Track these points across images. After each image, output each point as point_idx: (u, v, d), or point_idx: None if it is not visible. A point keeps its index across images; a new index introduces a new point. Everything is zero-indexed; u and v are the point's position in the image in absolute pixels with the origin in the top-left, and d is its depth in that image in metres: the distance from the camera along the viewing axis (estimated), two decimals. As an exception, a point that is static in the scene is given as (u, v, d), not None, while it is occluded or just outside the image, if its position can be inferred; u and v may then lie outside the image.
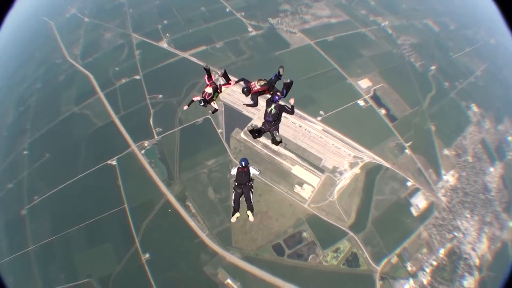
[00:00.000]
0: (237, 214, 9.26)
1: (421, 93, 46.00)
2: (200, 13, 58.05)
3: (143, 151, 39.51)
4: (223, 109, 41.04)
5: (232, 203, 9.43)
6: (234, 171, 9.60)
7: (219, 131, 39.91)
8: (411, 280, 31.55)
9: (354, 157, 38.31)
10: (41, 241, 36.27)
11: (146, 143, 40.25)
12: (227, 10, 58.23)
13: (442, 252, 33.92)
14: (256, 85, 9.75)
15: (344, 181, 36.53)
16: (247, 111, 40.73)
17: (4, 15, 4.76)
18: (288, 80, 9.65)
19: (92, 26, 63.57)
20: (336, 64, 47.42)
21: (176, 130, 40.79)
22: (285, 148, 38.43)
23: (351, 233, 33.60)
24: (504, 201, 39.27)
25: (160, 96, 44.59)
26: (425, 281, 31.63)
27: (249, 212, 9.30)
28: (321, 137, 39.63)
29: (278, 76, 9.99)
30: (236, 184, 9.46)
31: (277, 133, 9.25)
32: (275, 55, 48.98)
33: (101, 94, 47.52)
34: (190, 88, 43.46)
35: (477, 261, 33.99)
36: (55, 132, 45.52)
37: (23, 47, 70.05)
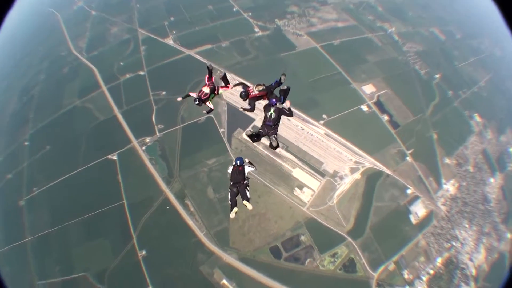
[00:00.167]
0: (235, 209, 9.45)
1: (425, 101, 45.89)
2: (207, 11, 57.86)
3: (144, 147, 39.42)
4: (225, 108, 41.01)
5: (229, 201, 9.53)
6: (230, 170, 9.66)
7: (221, 130, 39.80)
8: (407, 288, 31.57)
9: (355, 162, 38.21)
10: (38, 233, 36.24)
11: (147, 140, 40.17)
12: (234, 9, 58.08)
13: (439, 261, 33.86)
14: (255, 90, 9.78)
15: (344, 186, 36.44)
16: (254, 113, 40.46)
17: (4, 14, 4.72)
18: (285, 87, 9.71)
19: (99, 19, 63.40)
20: (341, 68, 47.28)
21: (178, 128, 40.69)
22: (286, 150, 38.35)
23: (349, 239, 33.50)
24: (503, 212, 39.21)
25: (164, 93, 44.41)
26: (421, 290, 31.63)
27: (245, 202, 9.38)
28: (323, 140, 39.52)
29: (279, 83, 10.00)
30: (232, 183, 9.53)
31: (274, 138, 9.37)
32: (281, 57, 48.88)
33: (104, 88, 47.36)
34: (194, 86, 43.16)
35: (473, 271, 33.95)
36: (57, 124, 45.45)
37: (30, 36, 70.11)
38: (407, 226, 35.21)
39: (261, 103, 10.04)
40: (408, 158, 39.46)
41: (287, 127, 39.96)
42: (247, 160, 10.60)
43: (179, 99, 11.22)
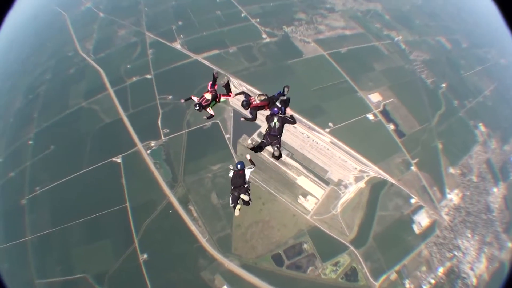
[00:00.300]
0: (238, 206, 9.49)
1: (431, 110, 45.74)
2: (215, 16, 57.90)
3: (149, 151, 39.37)
4: (232, 114, 40.91)
5: (231, 205, 9.56)
6: (231, 174, 9.65)
7: (226, 136, 39.72)
8: (408, 298, 31.57)
9: (360, 171, 38.08)
10: (39, 232, 36.18)
11: (152, 143, 40.11)
12: (243, 15, 58.08)
13: (441, 270, 33.78)
14: (256, 100, 9.71)
15: (348, 194, 36.32)
16: (258, 118, 40.34)
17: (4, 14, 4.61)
18: (285, 97, 9.67)
19: (107, 21, 63.58)
20: (348, 76, 47.16)
21: (184, 133, 40.63)
22: (291, 158, 38.27)
23: (352, 248, 33.38)
24: (504, 221, 39.16)
25: (170, 97, 44.33)
26: (422, 299, 31.61)
27: (242, 195, 9.38)
28: (328, 149, 39.40)
29: (281, 95, 9.92)
30: (233, 187, 9.50)
31: (276, 148, 9.28)
32: (288, 64, 48.81)
33: (111, 91, 47.39)
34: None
35: (474, 281, 33.90)
36: (62, 125, 45.62)
37: (37, 35, 70.63)
38: (410, 235, 35.12)
39: (263, 114, 9.99)
40: (413, 168, 39.33)
41: (293, 135, 39.91)
42: (248, 157, 10.70)
43: (182, 101, 11.31)
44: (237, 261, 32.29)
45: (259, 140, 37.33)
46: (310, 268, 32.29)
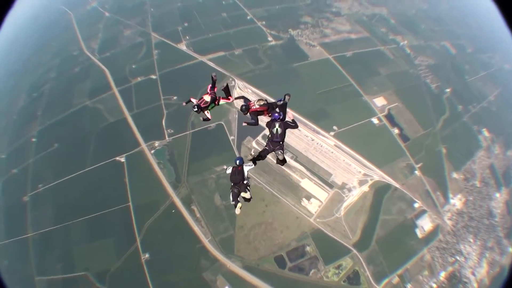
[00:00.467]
0: (239, 205, 9.44)
1: (435, 115, 45.68)
2: (221, 18, 58.05)
3: (153, 151, 39.39)
4: (236, 116, 40.88)
5: (232, 202, 9.51)
6: (229, 171, 9.53)
7: (231, 138, 39.73)
8: (410, 302, 31.49)
9: (364, 174, 38.04)
10: (40, 229, 36.14)
11: (156, 143, 40.15)
12: (248, 18, 58.18)
13: (443, 275, 33.68)
14: (255, 104, 9.63)
15: (352, 198, 36.28)
16: (260, 120, 40.30)
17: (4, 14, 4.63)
18: (282, 102, 9.61)
19: (112, 21, 63.71)
20: (353, 80, 47.14)
21: (188, 133, 40.64)
22: (296, 160, 38.26)
23: (355, 251, 33.32)
24: (506, 226, 39.02)
25: (175, 97, 44.36)
26: (423, 304, 31.60)
27: (243, 193, 9.36)
28: (332, 152, 39.38)
29: (282, 101, 9.87)
30: (232, 184, 9.44)
31: (280, 153, 9.22)
32: (293, 67, 48.85)
33: (115, 90, 47.47)
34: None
35: (475, 286, 33.80)
36: (66, 123, 45.76)
37: (40, 33, 70.80)
38: (413, 240, 35.04)
39: (263, 121, 9.95)
40: (417, 172, 39.27)
41: (297, 137, 39.92)
42: (253, 152, 10.49)
43: (184, 104, 11.25)
44: (239, 262, 32.23)
45: (263, 142, 37.28)
46: (312, 271, 32.23)
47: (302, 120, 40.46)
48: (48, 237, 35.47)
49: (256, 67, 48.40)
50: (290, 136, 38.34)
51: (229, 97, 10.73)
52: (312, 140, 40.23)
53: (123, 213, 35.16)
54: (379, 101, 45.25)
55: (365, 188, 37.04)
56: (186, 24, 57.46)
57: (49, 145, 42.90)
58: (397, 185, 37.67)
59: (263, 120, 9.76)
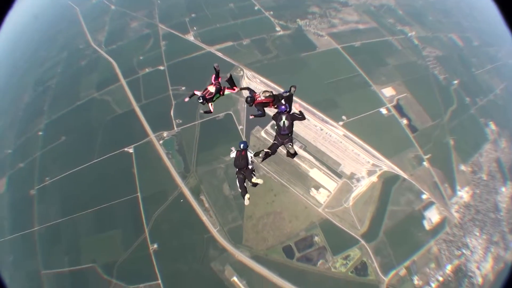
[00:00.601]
0: (247, 195, 9.21)
1: (443, 106, 45.37)
2: (228, 9, 57.78)
3: (161, 142, 39.30)
4: (245, 106, 40.46)
5: (239, 189, 9.35)
6: (233, 155, 9.44)
7: (239, 127, 39.57)
8: (416, 294, 31.39)
9: (373, 165, 37.85)
10: (47, 223, 35.99)
11: (165, 134, 40.04)
12: (256, 8, 57.84)
13: (449, 268, 33.53)
14: (261, 96, 9.55)
15: (360, 188, 36.11)
16: (269, 110, 40.07)
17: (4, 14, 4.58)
18: (288, 93, 9.54)
19: (119, 14, 63.64)
20: (361, 70, 46.75)
21: (197, 123, 40.41)
22: (304, 150, 38.08)
23: (363, 242, 33.26)
24: (511, 222, 39.14)
25: (183, 88, 44.05)
26: (429, 297, 31.47)
27: (254, 179, 9.18)
28: (341, 142, 39.17)
29: (288, 93, 9.79)
30: (237, 170, 9.30)
31: (290, 146, 9.16)
32: (301, 57, 48.54)
33: (123, 82, 47.35)
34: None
35: (480, 280, 33.70)
36: (74, 116, 45.92)
37: (46, 28, 70.74)
38: (420, 231, 34.90)
39: (272, 110, 9.84)
40: (425, 163, 39.06)
41: (306, 127, 39.69)
42: (261, 155, 10.25)
43: (186, 99, 10.97)
44: (247, 252, 32.23)
45: (272, 132, 36.96)
46: (320, 261, 32.17)
47: (311, 110, 40.28)
48: (55, 230, 35.57)
49: (264, 57, 48.16)
50: (299, 126, 38.04)
51: (234, 88, 10.62)
52: (321, 130, 40.03)
53: (132, 204, 35.16)
54: (388, 92, 44.88)
55: (374, 178, 36.85)
56: (193, 15, 57.16)
57: (56, 138, 42.91)
58: (405, 176, 37.49)
59: (272, 110, 9.65)
